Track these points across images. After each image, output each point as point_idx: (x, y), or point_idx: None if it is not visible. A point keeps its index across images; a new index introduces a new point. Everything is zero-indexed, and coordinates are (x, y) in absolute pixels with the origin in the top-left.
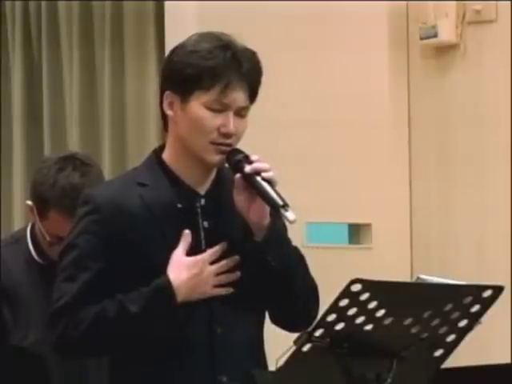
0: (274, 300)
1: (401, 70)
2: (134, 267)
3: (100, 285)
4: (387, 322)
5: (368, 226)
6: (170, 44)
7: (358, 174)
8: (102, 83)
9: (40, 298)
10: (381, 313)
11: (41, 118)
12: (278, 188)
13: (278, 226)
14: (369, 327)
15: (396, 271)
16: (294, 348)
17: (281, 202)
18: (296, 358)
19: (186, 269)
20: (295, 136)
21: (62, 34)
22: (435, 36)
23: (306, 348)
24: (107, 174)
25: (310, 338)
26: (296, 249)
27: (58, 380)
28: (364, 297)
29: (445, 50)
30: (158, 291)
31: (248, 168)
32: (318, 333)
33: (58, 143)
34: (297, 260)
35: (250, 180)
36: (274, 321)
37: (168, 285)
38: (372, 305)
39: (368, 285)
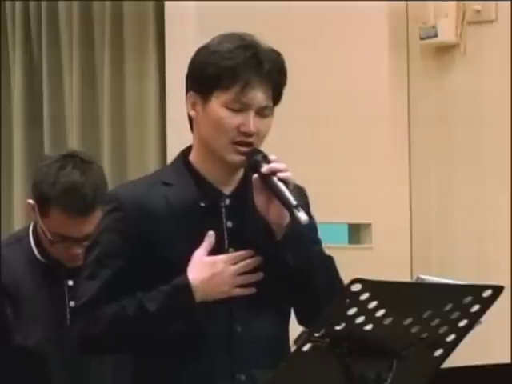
0: (297, 300)
1: (401, 69)
2: (155, 266)
3: (121, 283)
4: (387, 321)
5: (368, 225)
6: (170, 44)
7: (357, 173)
8: (101, 83)
9: (43, 297)
10: (381, 313)
11: (41, 118)
12: None
13: (297, 227)
14: (369, 327)
15: (396, 271)
16: (294, 348)
17: (294, 202)
18: (296, 357)
19: (206, 268)
20: (295, 135)
21: (61, 34)
22: (435, 36)
23: (306, 348)
24: (107, 174)
25: (309, 337)
26: (321, 250)
27: (59, 379)
28: (364, 297)
29: (445, 50)
30: (176, 290)
31: (264, 168)
32: (318, 333)
33: (58, 143)
34: (318, 260)
35: (266, 180)
36: (300, 322)
37: (187, 284)
38: (372, 305)
39: (368, 285)
